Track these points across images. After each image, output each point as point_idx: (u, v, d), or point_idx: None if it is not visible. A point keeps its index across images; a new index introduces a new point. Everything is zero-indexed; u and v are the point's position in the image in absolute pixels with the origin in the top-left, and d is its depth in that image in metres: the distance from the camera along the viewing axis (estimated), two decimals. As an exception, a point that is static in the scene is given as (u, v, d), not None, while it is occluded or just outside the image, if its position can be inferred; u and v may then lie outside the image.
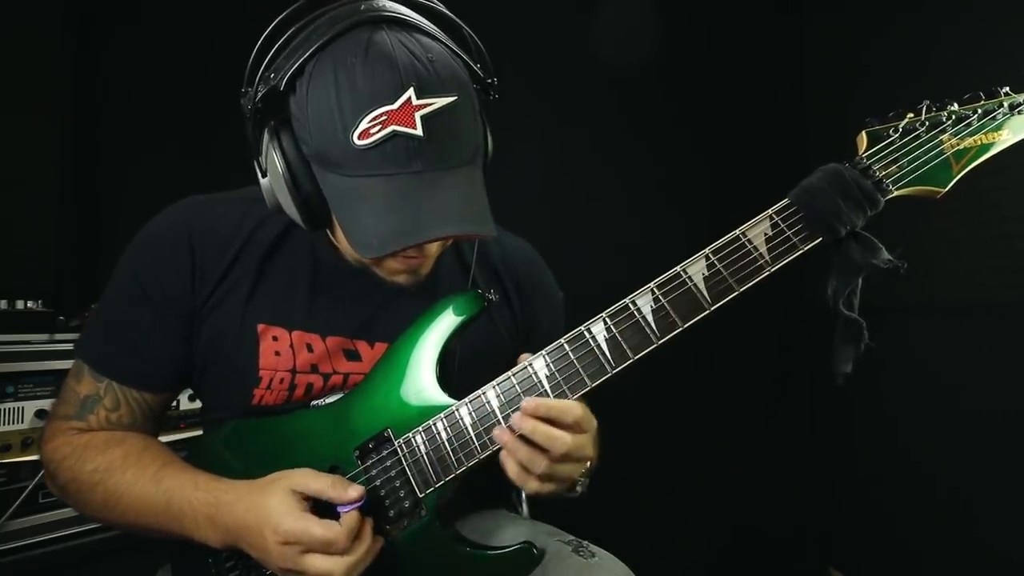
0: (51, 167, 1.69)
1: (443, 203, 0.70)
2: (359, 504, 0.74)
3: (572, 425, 0.72)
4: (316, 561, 0.71)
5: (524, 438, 0.71)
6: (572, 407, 0.72)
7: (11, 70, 1.64)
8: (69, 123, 1.71)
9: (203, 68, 1.82)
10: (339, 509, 0.74)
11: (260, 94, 0.73)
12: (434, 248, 0.81)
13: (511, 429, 0.72)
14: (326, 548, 0.71)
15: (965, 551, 1.72)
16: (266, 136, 0.76)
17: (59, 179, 1.69)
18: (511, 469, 0.73)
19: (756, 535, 2.24)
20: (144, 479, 0.81)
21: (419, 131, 0.68)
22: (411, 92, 0.68)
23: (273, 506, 0.73)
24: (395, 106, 0.67)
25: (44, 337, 1.32)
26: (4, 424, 1.24)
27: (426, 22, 0.76)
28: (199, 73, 1.82)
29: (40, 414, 1.27)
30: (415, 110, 0.68)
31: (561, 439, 0.70)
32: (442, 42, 0.75)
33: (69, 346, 1.31)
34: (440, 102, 0.69)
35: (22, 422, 1.26)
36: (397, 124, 0.67)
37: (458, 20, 0.80)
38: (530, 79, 1.98)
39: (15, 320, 1.33)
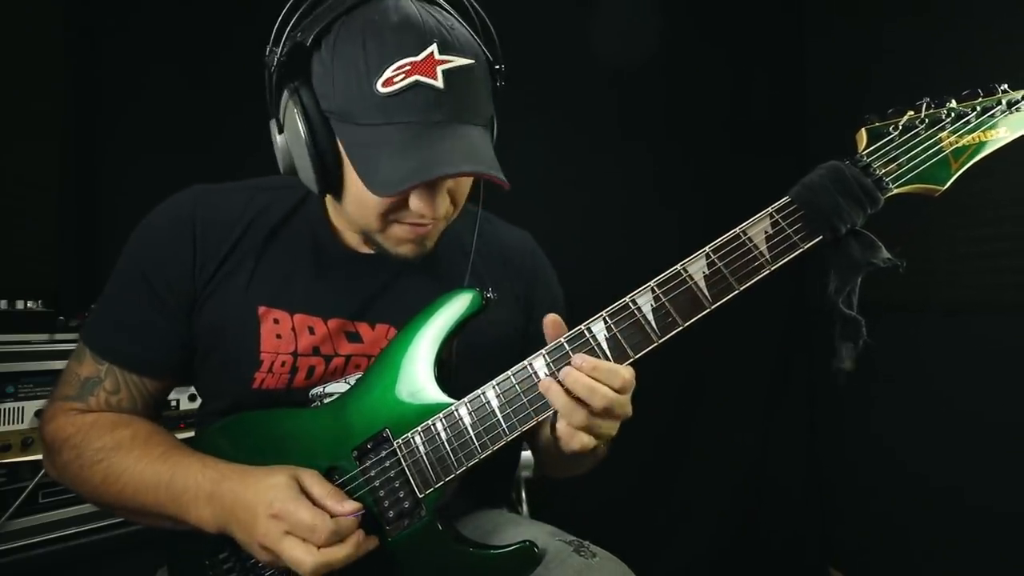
0: (51, 167, 1.69)
1: (459, 146, 0.73)
2: (353, 515, 0.75)
3: (619, 389, 0.72)
4: (292, 546, 0.72)
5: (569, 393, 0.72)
6: (620, 370, 0.72)
7: (11, 70, 1.64)
8: (70, 123, 1.71)
9: (203, 68, 1.82)
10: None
11: (286, 48, 0.75)
12: (442, 211, 0.80)
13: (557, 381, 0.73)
14: (307, 534, 0.72)
15: (964, 551, 1.72)
16: (286, 94, 0.77)
17: (59, 179, 1.70)
18: (558, 424, 0.74)
19: (756, 535, 2.24)
20: (150, 457, 0.81)
21: (440, 83, 0.71)
22: (434, 47, 0.71)
23: (272, 484, 0.75)
24: (419, 58, 0.70)
25: (44, 337, 1.32)
26: (4, 424, 1.24)
27: (444, 3, 0.80)
28: (199, 73, 1.83)
29: (40, 414, 1.27)
30: (437, 64, 0.71)
31: (601, 391, 0.70)
32: (459, 21, 0.79)
33: (69, 346, 1.31)
34: (460, 61, 0.73)
35: (22, 422, 1.26)
36: (420, 74, 0.70)
37: (475, 5, 0.83)
38: (530, 81, 1.97)
39: (15, 320, 1.34)
